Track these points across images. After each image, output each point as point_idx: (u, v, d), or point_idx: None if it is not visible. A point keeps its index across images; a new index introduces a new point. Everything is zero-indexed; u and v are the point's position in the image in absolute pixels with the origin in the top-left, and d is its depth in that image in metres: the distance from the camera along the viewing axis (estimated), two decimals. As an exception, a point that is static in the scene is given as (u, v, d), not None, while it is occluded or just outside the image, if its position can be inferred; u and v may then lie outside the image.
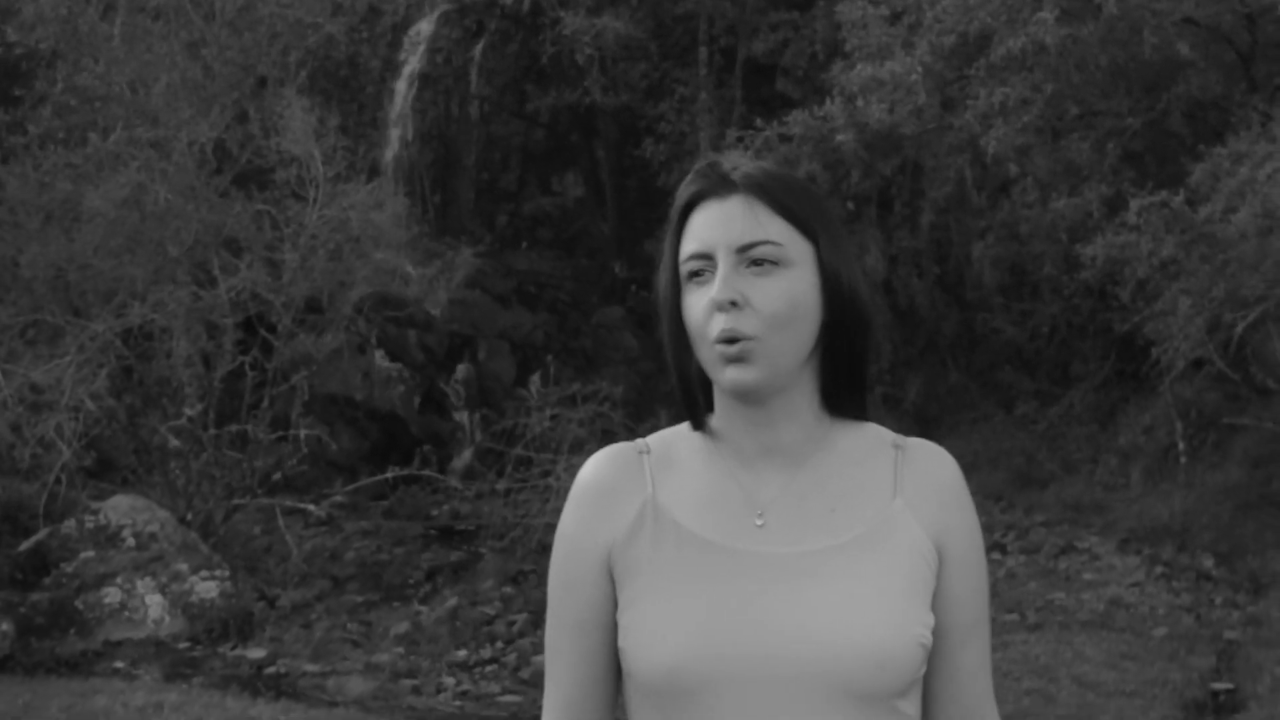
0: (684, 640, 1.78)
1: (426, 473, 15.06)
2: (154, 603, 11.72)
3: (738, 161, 1.90)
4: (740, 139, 16.73)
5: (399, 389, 19.89)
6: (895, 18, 15.59)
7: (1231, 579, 12.18)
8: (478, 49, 23.99)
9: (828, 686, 1.75)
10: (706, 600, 1.80)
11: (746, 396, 1.85)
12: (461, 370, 20.77)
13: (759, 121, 16.25)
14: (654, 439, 1.99)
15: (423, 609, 12.20)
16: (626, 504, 1.90)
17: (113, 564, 12.06)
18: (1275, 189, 11.18)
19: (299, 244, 13.86)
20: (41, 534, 12.67)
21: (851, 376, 1.90)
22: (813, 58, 20.71)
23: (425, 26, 24.36)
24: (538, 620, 11.40)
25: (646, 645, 1.81)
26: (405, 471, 14.43)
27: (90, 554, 12.18)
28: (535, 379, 20.34)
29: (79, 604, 11.50)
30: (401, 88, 23.86)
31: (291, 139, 14.24)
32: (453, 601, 12.11)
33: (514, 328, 21.60)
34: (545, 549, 13.36)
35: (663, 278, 1.94)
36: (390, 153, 23.20)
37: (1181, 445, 14.86)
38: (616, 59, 21.62)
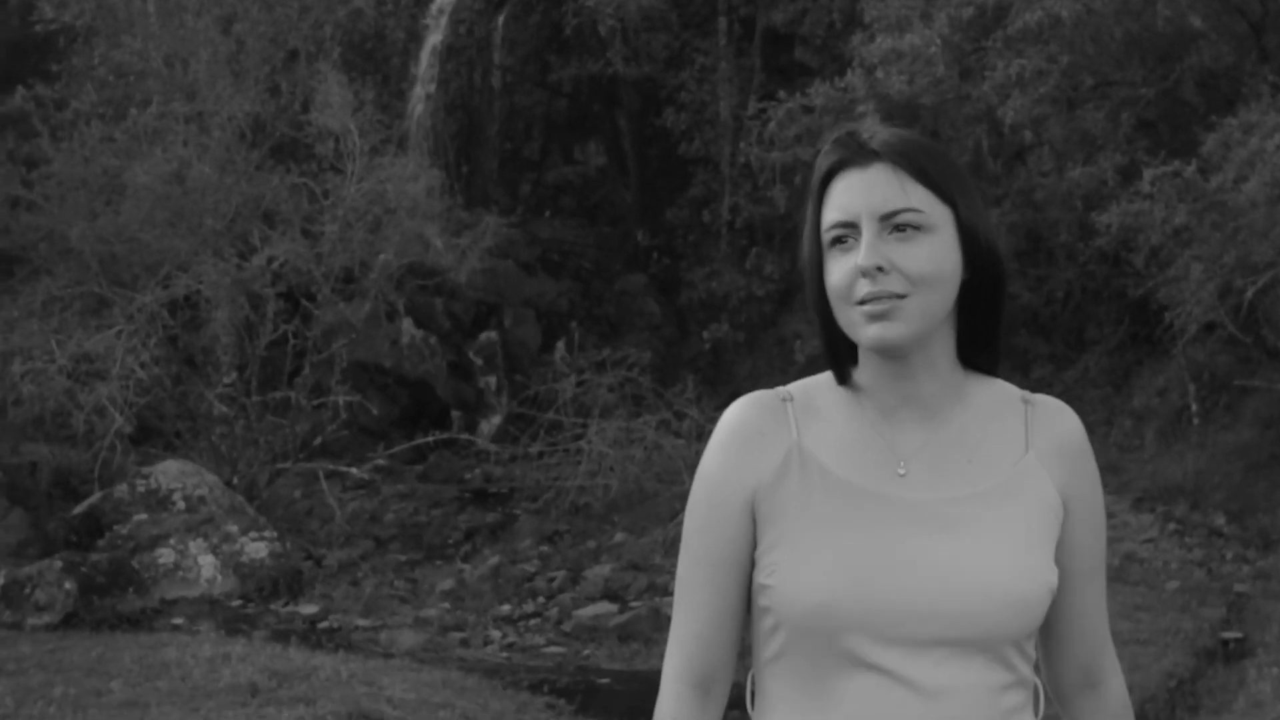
0: (832, 579, 1.87)
1: (465, 436, 15.50)
2: (206, 563, 12.22)
3: (874, 129, 1.96)
4: (763, 110, 17.10)
5: (429, 356, 20.32)
6: (914, -11, 15.91)
7: (1242, 535, 12.60)
8: (500, 20, 24.26)
9: (967, 628, 1.86)
10: (854, 542, 1.89)
11: (889, 352, 1.92)
12: (487, 337, 21.18)
13: (781, 93, 16.60)
14: (795, 387, 2.04)
15: (465, 567, 12.72)
16: (773, 448, 1.97)
17: (165, 526, 12.55)
18: (1284, 159, 11.56)
19: (338, 216, 14.29)
20: (95, 498, 13.17)
21: (986, 331, 2.01)
22: (830, 26, 21.04)
23: (448, -3, 24.68)
24: (576, 577, 11.90)
25: (795, 583, 1.89)
26: (445, 435, 14.91)
27: (143, 516, 12.67)
28: (560, 345, 20.77)
29: (135, 564, 12.00)
30: (425, 59, 24.19)
31: (330, 114, 14.65)
32: (495, 559, 12.61)
33: (539, 295, 21.97)
34: (578, 510, 13.85)
35: (806, 244, 1.98)
36: (414, 123, 23.56)
37: (1194, 407, 15.23)
38: (638, 30, 21.93)
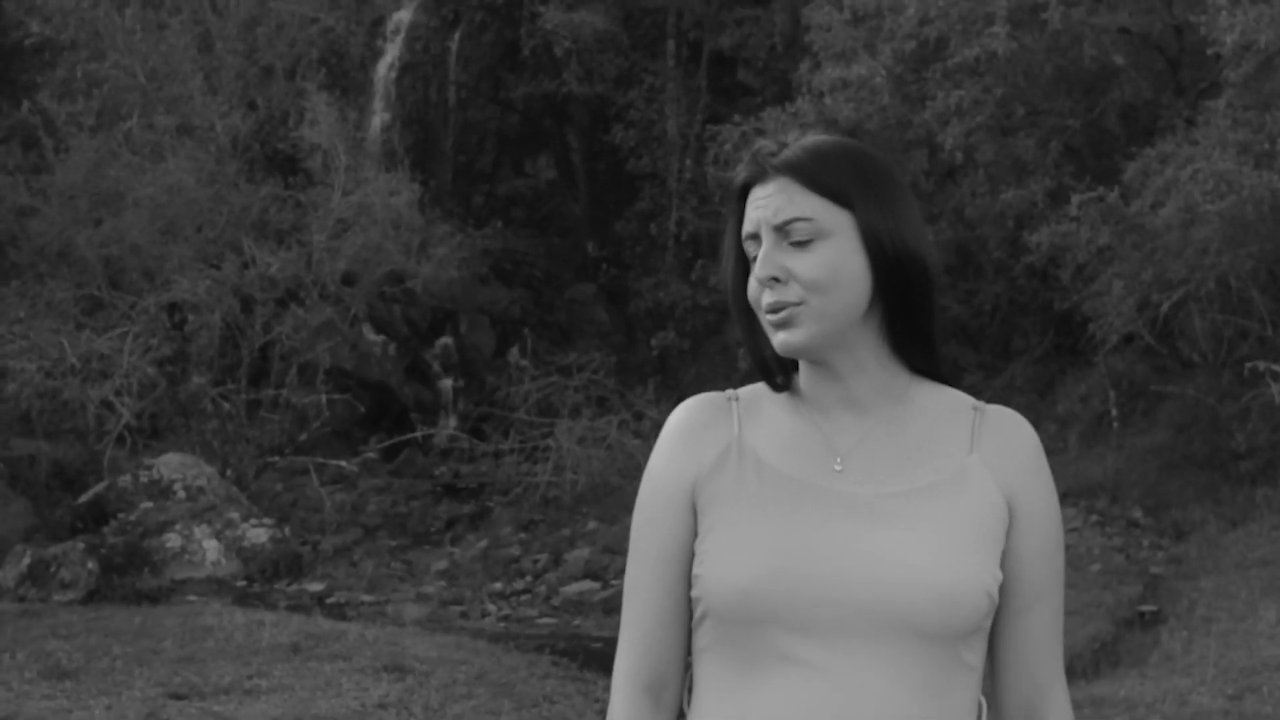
0: (757, 565, 1.83)
1: (449, 432, 16.53)
2: (210, 547, 13.23)
3: (785, 141, 1.95)
4: (716, 133, 18.23)
5: (389, 361, 21.23)
6: (857, 21, 17.08)
7: (1157, 527, 13.85)
8: (455, 38, 25.20)
9: (894, 622, 1.80)
10: (783, 530, 1.85)
11: (799, 356, 1.92)
12: (444, 343, 22.12)
13: (736, 117, 17.72)
14: (744, 390, 2.03)
15: (454, 550, 13.81)
16: (713, 442, 1.95)
17: (170, 513, 13.54)
18: (1196, 187, 12.83)
19: (326, 226, 15.30)
20: (100, 487, 14.11)
21: (916, 330, 1.93)
22: (771, 50, 22.21)
23: (404, 15, 25.61)
24: (558, 559, 13.02)
25: (721, 570, 1.86)
26: (430, 432, 15.95)
27: (149, 504, 13.65)
28: (515, 351, 21.76)
29: (145, 547, 12.99)
30: (382, 75, 25.09)
31: (318, 130, 15.64)
32: (482, 543, 13.73)
33: (492, 303, 22.92)
34: (548, 503, 15.07)
35: (726, 262, 1.99)
36: (373, 137, 24.46)
37: (1114, 412, 16.39)
38: (590, 50, 22.94)
